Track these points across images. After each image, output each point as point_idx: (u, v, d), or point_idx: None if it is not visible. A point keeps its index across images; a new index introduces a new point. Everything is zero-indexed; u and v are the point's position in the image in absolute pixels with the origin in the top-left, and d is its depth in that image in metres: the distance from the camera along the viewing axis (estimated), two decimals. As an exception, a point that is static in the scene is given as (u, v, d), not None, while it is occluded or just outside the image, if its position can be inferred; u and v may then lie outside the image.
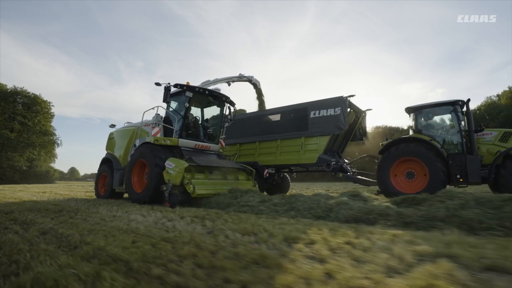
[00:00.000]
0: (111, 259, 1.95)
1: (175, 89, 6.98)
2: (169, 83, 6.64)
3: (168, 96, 6.55)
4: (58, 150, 47.51)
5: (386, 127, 43.17)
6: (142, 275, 1.62)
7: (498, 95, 30.86)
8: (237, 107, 9.19)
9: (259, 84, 11.07)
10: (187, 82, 7.09)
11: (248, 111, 11.00)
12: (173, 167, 5.67)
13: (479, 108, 31.24)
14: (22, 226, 3.41)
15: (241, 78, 10.70)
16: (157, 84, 6.67)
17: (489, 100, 31.14)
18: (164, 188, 5.63)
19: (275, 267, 1.77)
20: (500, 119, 26.00)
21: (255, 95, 11.28)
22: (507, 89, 29.15)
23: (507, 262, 1.79)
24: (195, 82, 9.94)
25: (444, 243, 2.30)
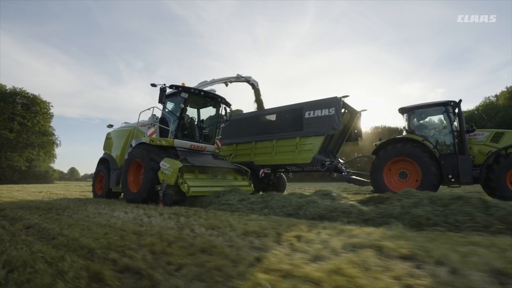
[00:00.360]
0: (80, 247, 2.26)
1: (170, 90, 7.13)
2: (164, 84, 6.81)
3: (163, 97, 6.72)
4: (57, 151, 47.98)
5: (385, 127, 43.35)
6: (100, 259, 1.93)
7: (496, 96, 31.08)
8: (237, 107, 9.45)
9: (257, 85, 11.17)
10: (183, 83, 7.24)
11: (246, 111, 11.07)
12: (167, 167, 5.81)
13: (477, 109, 31.46)
14: (10, 221, 3.73)
15: (238, 79, 10.84)
16: (153, 85, 6.82)
17: (487, 101, 31.37)
18: (159, 188, 5.79)
19: (217, 254, 2.07)
20: (498, 119, 26.20)
21: (254, 96, 11.41)
22: (505, 89, 29.32)
23: (421, 251, 2.07)
24: (195, 82, 10.20)
25: (381, 236, 2.59)
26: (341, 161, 8.62)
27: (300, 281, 1.55)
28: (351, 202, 4.17)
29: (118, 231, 2.98)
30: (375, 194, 4.42)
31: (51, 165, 47.02)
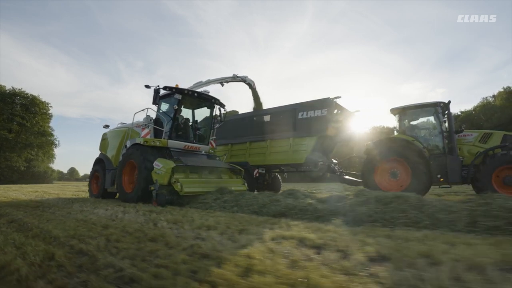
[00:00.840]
0: (49, 236, 2.69)
1: (164, 91, 7.33)
2: (158, 86, 7.02)
3: (157, 98, 6.94)
4: (57, 151, 48.66)
5: (383, 127, 43.58)
6: (60, 244, 2.36)
7: (493, 96, 31.27)
8: (237, 108, 9.64)
9: (254, 84, 11.12)
10: (176, 85, 7.42)
11: (246, 111, 11.05)
12: (160, 167, 5.98)
13: (474, 109, 31.70)
14: (-3, 217, 4.17)
15: (234, 79, 10.81)
16: (147, 86, 7.03)
17: (485, 101, 31.58)
18: (152, 188, 5.93)
19: (160, 242, 2.50)
20: (494, 120, 26.45)
21: (251, 95, 11.27)
22: (502, 90, 29.52)
23: (331, 242, 2.47)
24: (193, 82, 10.19)
25: (313, 230, 3.00)
26: (334, 161, 8.81)
27: (211, 261, 1.96)
28: (310, 201, 4.57)
29: (89, 224, 3.41)
30: (334, 194, 4.80)
31: (50, 165, 47.75)
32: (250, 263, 1.84)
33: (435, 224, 3.22)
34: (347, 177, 8.25)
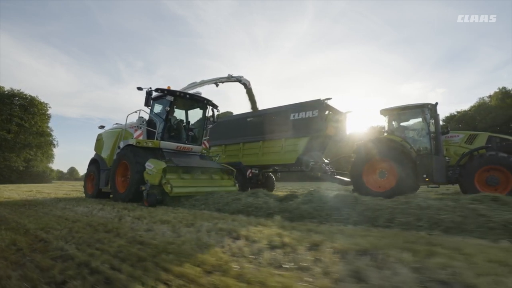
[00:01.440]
0: (22, 228, 3.23)
1: (156, 93, 7.60)
2: (150, 88, 7.31)
3: (149, 100, 7.24)
4: (57, 151, 49.37)
5: (382, 127, 43.71)
6: (27, 234, 2.90)
7: (489, 96, 31.57)
8: (237, 108, 9.85)
9: (249, 84, 11.12)
10: (168, 87, 7.68)
11: (244, 112, 11.14)
12: (151, 168, 6.22)
13: (470, 109, 31.99)
14: (-16, 213, 4.73)
15: (229, 79, 10.86)
16: (139, 88, 7.28)
17: (481, 101, 31.87)
18: (143, 188, 6.07)
19: (113, 232, 3.03)
20: (489, 120, 26.78)
21: (247, 95, 11.27)
22: (497, 90, 29.83)
23: (254, 234, 2.97)
24: (192, 81, 10.32)
25: (251, 225, 3.52)
26: (326, 161, 9.13)
27: (142, 246, 2.49)
28: (266, 199, 5.10)
29: (63, 219, 3.95)
30: (295, 192, 5.31)
31: (50, 165, 48.66)
32: (167, 247, 2.37)
33: (361, 220, 3.73)
34: (337, 176, 8.52)
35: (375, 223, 3.62)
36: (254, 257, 2.17)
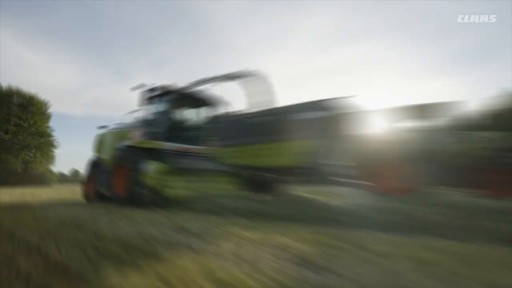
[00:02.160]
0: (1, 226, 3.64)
1: (157, 92, 7.46)
2: (149, 87, 7.32)
3: (144, 100, 7.29)
4: (58, 151, 48.34)
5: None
6: (1, 232, 3.30)
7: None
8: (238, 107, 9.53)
9: (263, 79, 10.00)
10: (169, 85, 7.53)
11: (241, 113, 10.79)
12: (149, 169, 6.30)
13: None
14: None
15: (230, 78, 9.88)
16: (135, 89, 7.33)
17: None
18: (140, 190, 6.29)
19: (78, 228, 3.42)
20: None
21: (247, 93, 10.34)
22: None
23: (201, 230, 3.33)
24: (203, 78, 9.50)
25: (204, 223, 3.87)
26: (328, 163, 8.81)
27: (94, 236, 2.88)
28: (243, 202, 5.53)
29: (43, 221, 4.32)
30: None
31: (51, 167, 48.00)
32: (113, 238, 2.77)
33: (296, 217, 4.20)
34: (340, 179, 8.53)
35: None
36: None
